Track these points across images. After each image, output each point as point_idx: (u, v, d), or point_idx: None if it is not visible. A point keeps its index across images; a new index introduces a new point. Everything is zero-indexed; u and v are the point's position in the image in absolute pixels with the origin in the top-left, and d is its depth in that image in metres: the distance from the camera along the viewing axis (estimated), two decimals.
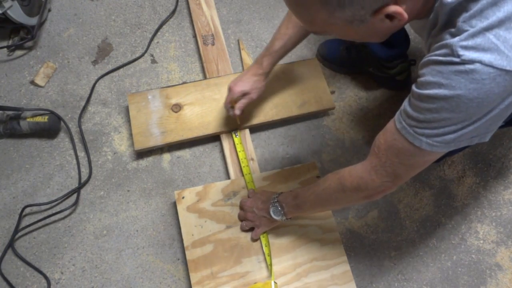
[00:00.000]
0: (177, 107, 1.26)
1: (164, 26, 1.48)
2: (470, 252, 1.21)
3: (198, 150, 1.29)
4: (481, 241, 1.22)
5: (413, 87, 0.68)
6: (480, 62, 0.57)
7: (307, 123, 1.35)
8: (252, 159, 1.24)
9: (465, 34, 0.58)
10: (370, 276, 1.16)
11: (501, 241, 1.23)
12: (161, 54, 1.43)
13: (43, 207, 1.18)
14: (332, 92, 1.38)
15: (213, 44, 1.41)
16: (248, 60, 1.41)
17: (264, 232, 1.09)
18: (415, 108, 0.67)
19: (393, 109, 1.38)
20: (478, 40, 0.57)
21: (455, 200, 1.27)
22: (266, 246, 1.08)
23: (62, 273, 1.12)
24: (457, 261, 1.20)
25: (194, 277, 1.05)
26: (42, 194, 1.20)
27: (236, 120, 1.23)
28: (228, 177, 1.23)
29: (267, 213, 1.03)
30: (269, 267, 1.06)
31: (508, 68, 0.57)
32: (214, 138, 1.29)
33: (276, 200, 1.01)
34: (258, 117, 1.28)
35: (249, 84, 1.12)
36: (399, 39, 1.26)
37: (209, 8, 1.48)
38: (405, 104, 0.71)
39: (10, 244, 1.12)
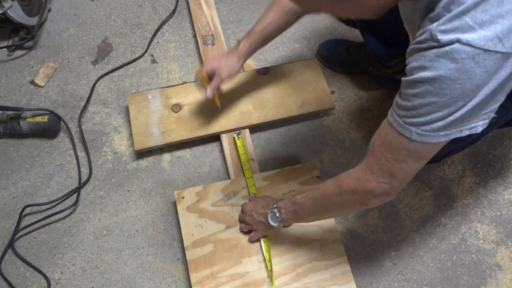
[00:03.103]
0: (177, 107, 1.26)
1: (164, 26, 1.48)
2: (470, 252, 1.21)
3: (198, 150, 1.29)
4: (481, 241, 1.23)
5: (402, 78, 0.69)
6: (458, 41, 0.58)
7: (307, 123, 1.35)
8: (252, 159, 1.24)
9: (443, 19, 0.60)
10: (370, 276, 1.16)
11: (501, 241, 1.23)
12: (161, 54, 1.43)
13: (43, 207, 1.18)
14: (332, 92, 1.39)
15: (213, 44, 1.41)
16: (248, 60, 1.40)
17: (264, 237, 1.09)
18: (403, 96, 0.69)
19: None
20: (455, 24, 0.59)
21: (455, 200, 1.27)
22: (267, 252, 1.08)
23: (62, 273, 1.12)
24: (457, 261, 1.20)
25: (194, 277, 1.05)
26: (42, 194, 1.20)
27: (218, 106, 1.20)
28: (228, 177, 1.23)
29: (265, 218, 1.02)
30: (269, 273, 1.06)
31: (486, 47, 0.58)
32: (214, 138, 1.29)
33: (275, 206, 1.00)
34: (258, 117, 1.28)
35: (220, 61, 1.09)
36: (399, 37, 1.26)
37: (209, 8, 1.48)
38: (396, 96, 0.72)
39: (10, 244, 1.12)
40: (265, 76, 1.34)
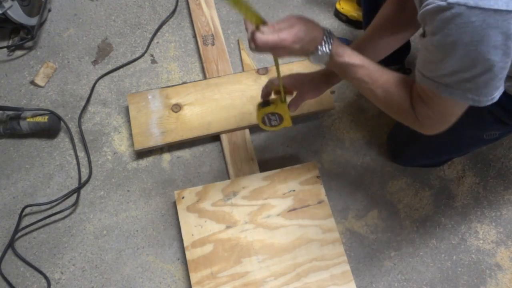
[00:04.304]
0: (177, 107, 1.26)
1: (164, 26, 1.48)
2: (470, 252, 1.21)
3: (198, 150, 1.29)
4: (481, 241, 1.23)
5: (420, 37, 0.69)
6: (466, 5, 0.57)
7: (307, 123, 1.35)
8: (252, 159, 1.24)
9: None
10: (370, 276, 1.16)
11: (501, 241, 1.23)
12: (161, 54, 1.43)
13: (43, 207, 1.18)
14: (332, 92, 1.38)
15: (213, 44, 1.41)
16: (248, 60, 1.41)
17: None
18: (425, 56, 0.69)
19: None
20: None
21: (455, 200, 1.28)
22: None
23: (62, 273, 1.12)
24: (457, 261, 1.20)
25: (194, 277, 1.05)
26: (42, 194, 1.20)
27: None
28: (228, 177, 1.23)
29: (320, 36, 0.79)
30: (281, 88, 0.96)
31: (495, 7, 0.56)
32: (214, 138, 1.29)
33: (331, 39, 0.80)
34: None
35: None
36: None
37: (209, 8, 1.48)
38: (418, 55, 0.72)
39: (10, 244, 1.12)
40: (265, 76, 1.34)
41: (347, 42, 1.42)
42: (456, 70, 0.65)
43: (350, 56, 0.81)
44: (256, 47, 0.75)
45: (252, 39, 0.75)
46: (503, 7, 0.56)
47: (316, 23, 0.80)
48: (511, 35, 0.59)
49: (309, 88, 0.99)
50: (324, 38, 0.79)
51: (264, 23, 0.77)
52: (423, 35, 0.68)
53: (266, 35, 0.75)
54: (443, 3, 0.59)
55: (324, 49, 0.79)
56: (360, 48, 0.95)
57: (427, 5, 0.62)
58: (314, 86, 1.00)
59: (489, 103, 0.69)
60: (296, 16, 0.78)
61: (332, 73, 0.99)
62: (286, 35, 0.75)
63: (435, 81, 0.70)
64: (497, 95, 0.69)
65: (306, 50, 0.79)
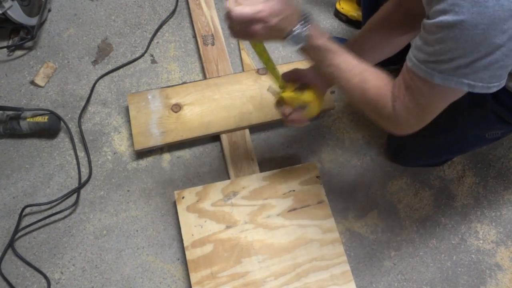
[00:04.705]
0: (177, 107, 1.26)
1: (164, 26, 1.48)
2: (470, 252, 1.21)
3: (198, 150, 1.29)
4: (481, 241, 1.23)
5: (423, 19, 0.67)
6: None
7: None
8: (252, 159, 1.24)
9: None
10: (370, 276, 1.16)
11: (500, 241, 1.23)
12: (161, 54, 1.43)
13: (43, 207, 1.18)
14: (332, 92, 1.39)
15: (213, 44, 1.41)
16: (248, 60, 1.41)
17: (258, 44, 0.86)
18: (424, 40, 0.67)
19: None
20: None
21: (455, 200, 1.28)
22: (262, 55, 0.89)
23: (62, 273, 1.12)
24: (457, 261, 1.20)
25: (194, 277, 1.05)
26: (42, 194, 1.20)
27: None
28: (228, 177, 1.24)
29: (294, 18, 0.75)
30: (272, 71, 0.93)
31: None
32: (214, 138, 1.29)
33: (311, 19, 0.77)
34: (258, 117, 1.28)
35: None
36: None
37: (209, 8, 1.48)
38: (416, 39, 0.70)
39: (10, 244, 1.12)
40: (265, 76, 1.34)
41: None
42: (456, 56, 0.63)
43: (329, 41, 0.79)
44: (232, 18, 0.73)
45: (227, 9, 0.72)
46: None
47: (295, 4, 0.76)
48: None
49: (313, 75, 0.97)
50: (303, 17, 0.76)
51: None
52: (427, 17, 0.66)
53: (242, 7, 0.72)
54: None
55: (302, 29, 0.76)
56: (354, 45, 0.96)
57: None
58: (315, 74, 0.97)
59: (484, 91, 0.67)
60: None
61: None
62: (263, 7, 0.72)
63: (429, 68, 0.68)
64: (494, 86, 0.66)
65: (283, 29, 0.76)
